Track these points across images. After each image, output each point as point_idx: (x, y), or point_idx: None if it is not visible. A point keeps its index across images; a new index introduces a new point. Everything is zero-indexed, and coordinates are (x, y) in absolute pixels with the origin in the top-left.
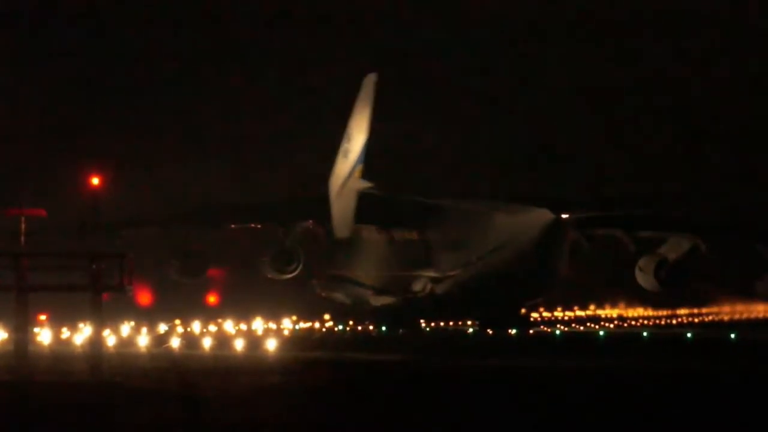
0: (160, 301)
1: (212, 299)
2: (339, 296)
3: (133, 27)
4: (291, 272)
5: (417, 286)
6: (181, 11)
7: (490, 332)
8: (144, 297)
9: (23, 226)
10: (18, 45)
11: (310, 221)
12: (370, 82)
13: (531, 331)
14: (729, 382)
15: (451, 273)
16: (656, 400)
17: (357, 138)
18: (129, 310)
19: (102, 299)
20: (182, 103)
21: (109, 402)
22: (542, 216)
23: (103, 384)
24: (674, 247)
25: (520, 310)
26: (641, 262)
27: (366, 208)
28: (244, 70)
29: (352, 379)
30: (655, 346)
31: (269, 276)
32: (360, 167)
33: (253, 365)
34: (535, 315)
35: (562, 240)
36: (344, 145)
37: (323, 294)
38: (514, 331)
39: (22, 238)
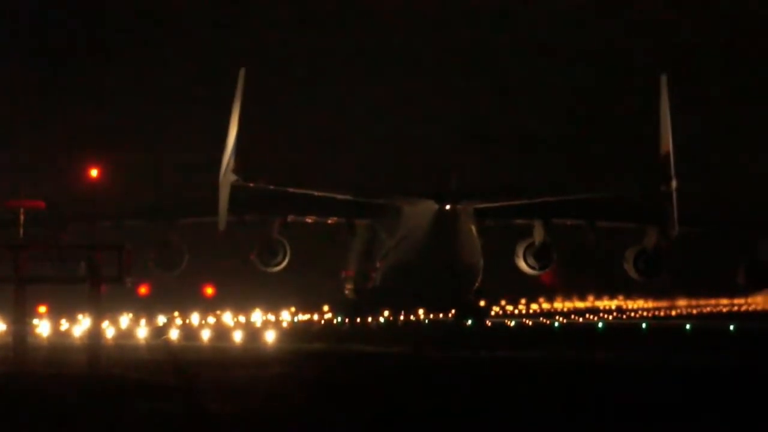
0: (159, 293)
1: (209, 291)
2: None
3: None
4: (277, 265)
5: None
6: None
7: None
8: (143, 288)
9: (22, 217)
10: (16, 38)
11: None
12: (240, 76)
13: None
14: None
15: (379, 266)
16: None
17: (231, 132)
18: (128, 301)
19: (100, 291)
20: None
21: (107, 394)
22: (428, 207)
23: (101, 376)
24: (651, 238)
25: (464, 300)
26: (627, 253)
27: (238, 199)
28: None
29: (351, 371)
30: (650, 337)
31: (261, 270)
32: (233, 160)
33: (252, 357)
34: (534, 306)
35: (460, 230)
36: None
37: (346, 287)
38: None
39: (21, 230)
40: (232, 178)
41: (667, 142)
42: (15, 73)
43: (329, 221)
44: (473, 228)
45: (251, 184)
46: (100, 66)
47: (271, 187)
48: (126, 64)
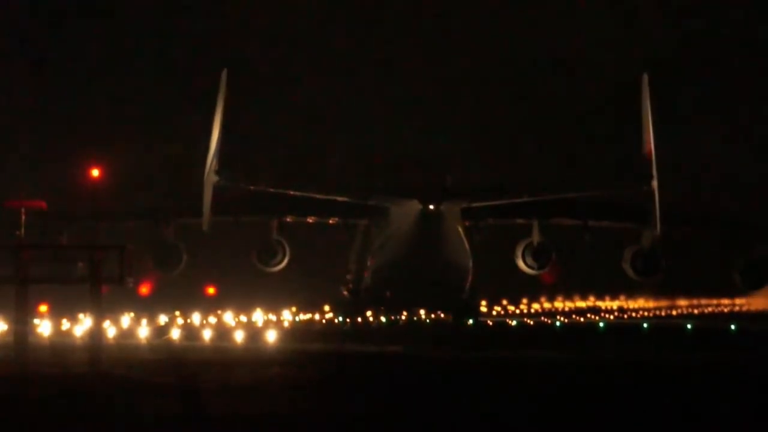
0: (160, 293)
1: (211, 290)
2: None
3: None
4: (276, 265)
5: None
6: None
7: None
8: (144, 288)
9: (23, 218)
10: (15, 36)
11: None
12: (223, 78)
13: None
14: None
15: (369, 266)
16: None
17: (214, 133)
18: (129, 301)
19: (101, 291)
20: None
21: (108, 393)
22: (412, 207)
23: (102, 375)
24: (647, 238)
25: (459, 300)
26: (625, 252)
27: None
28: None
29: (352, 371)
30: (650, 337)
31: (261, 270)
32: (215, 161)
33: (253, 357)
34: (536, 306)
35: (443, 229)
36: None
37: (346, 287)
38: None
39: (22, 230)
40: (215, 179)
41: (649, 142)
42: (15, 73)
43: (329, 221)
44: (459, 228)
45: (252, 187)
46: (99, 65)
47: (271, 189)
48: (125, 62)
